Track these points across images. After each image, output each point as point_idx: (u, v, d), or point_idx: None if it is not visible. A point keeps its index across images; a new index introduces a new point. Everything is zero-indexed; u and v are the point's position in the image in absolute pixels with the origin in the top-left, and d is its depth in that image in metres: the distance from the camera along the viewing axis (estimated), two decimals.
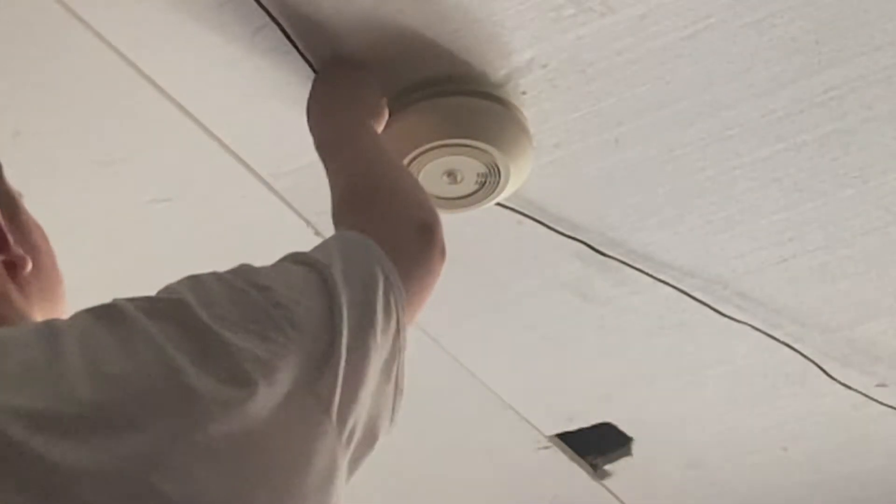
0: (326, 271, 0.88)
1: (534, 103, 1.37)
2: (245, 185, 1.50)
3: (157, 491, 0.69)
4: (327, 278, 0.87)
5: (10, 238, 0.92)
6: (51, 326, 0.77)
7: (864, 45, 1.31)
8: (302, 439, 0.79)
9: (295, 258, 0.92)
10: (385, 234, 1.00)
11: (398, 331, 0.93)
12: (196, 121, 1.42)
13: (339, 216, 1.09)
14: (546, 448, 2.08)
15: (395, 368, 0.93)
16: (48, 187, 1.47)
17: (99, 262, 1.55)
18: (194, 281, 0.83)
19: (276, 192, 1.52)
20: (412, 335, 0.96)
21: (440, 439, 2.07)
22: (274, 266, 0.90)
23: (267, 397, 0.76)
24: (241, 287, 0.83)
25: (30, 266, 0.92)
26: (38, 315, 0.91)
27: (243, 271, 0.86)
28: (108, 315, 0.78)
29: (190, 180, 1.51)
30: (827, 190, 1.51)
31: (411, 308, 0.98)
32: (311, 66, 1.30)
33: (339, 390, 0.82)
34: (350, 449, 0.85)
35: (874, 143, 1.44)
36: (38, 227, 0.97)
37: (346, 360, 0.83)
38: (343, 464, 0.83)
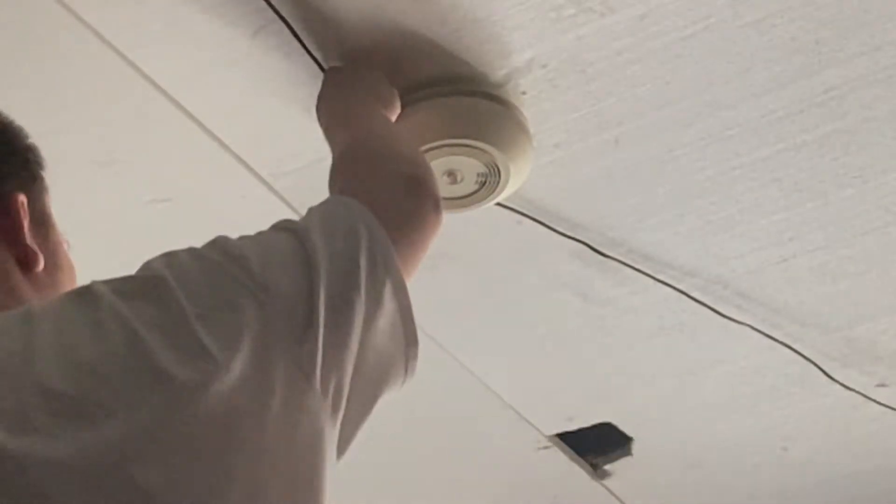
0: (305, 235, 0.87)
1: (534, 103, 1.37)
2: (245, 185, 1.50)
3: (136, 482, 0.68)
4: (305, 243, 0.86)
5: (27, 234, 0.92)
6: (28, 312, 0.77)
7: (864, 45, 1.31)
8: (285, 411, 0.77)
9: (276, 226, 0.91)
10: (370, 190, 0.98)
11: (392, 284, 0.90)
12: (196, 121, 1.41)
13: (330, 183, 1.08)
14: (546, 448, 2.08)
15: (397, 321, 0.91)
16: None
17: (99, 262, 1.55)
18: (170, 257, 0.82)
19: (276, 192, 1.52)
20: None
21: (440, 439, 2.07)
22: (253, 235, 0.89)
23: (244, 372, 0.75)
24: (216, 259, 0.82)
25: (41, 264, 0.92)
26: None
27: (219, 243, 0.85)
28: (83, 299, 0.77)
29: (190, 180, 1.51)
30: (827, 190, 1.51)
31: (406, 263, 0.96)
32: (317, 63, 1.30)
33: (320, 357, 0.80)
34: (340, 414, 0.83)
35: (874, 143, 1.44)
36: (68, 258, 0.98)
37: (327, 325, 0.82)
38: (331, 432, 0.82)
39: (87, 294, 0.78)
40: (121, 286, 0.78)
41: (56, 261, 0.96)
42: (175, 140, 1.44)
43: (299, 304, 0.82)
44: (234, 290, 0.80)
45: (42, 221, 0.97)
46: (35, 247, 0.92)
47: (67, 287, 0.95)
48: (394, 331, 0.91)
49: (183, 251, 0.83)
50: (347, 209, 0.94)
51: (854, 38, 1.30)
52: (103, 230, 1.56)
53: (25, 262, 0.91)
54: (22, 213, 0.93)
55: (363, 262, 0.88)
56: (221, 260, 0.82)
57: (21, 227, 0.92)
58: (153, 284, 0.78)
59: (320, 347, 0.81)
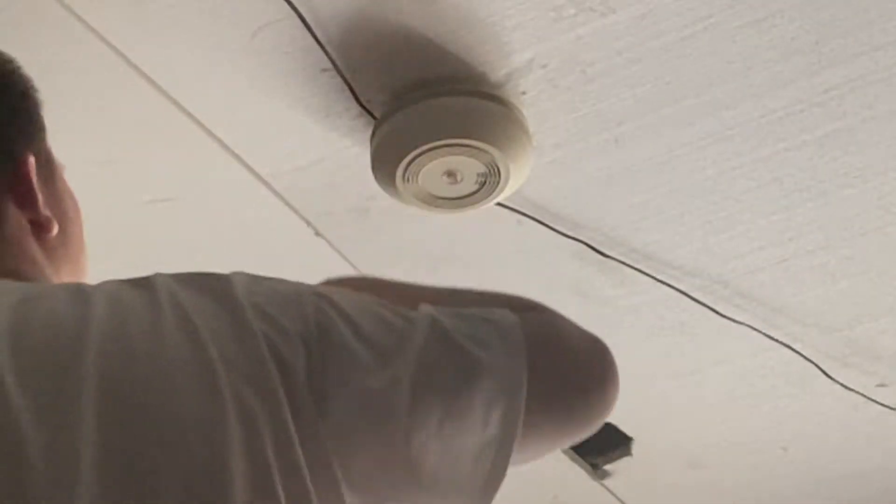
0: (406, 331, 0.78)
1: (534, 103, 1.37)
2: (245, 185, 1.50)
3: (162, 484, 0.66)
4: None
5: (41, 198, 0.90)
6: (79, 286, 0.76)
7: (864, 45, 1.31)
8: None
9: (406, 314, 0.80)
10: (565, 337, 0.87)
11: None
12: (196, 121, 1.42)
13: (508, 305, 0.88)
14: None
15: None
16: None
17: (99, 262, 1.55)
18: (247, 274, 0.79)
19: (276, 192, 1.52)
20: None
21: None
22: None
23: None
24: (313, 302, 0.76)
25: (56, 229, 0.90)
26: (62, 280, 0.90)
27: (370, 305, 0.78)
28: (138, 282, 0.75)
29: (190, 180, 1.51)
30: (827, 190, 1.51)
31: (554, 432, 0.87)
32: (329, 57, 1.29)
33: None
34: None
35: (874, 143, 1.44)
36: (72, 197, 0.96)
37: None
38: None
39: (143, 280, 0.76)
40: (182, 277, 0.76)
41: (64, 210, 0.93)
42: (175, 140, 1.44)
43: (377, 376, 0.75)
44: (301, 317, 0.74)
45: (47, 164, 0.95)
46: (48, 212, 0.90)
47: (77, 236, 0.94)
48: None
49: (268, 277, 0.79)
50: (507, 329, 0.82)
51: (854, 38, 1.30)
52: (103, 230, 1.55)
53: (40, 228, 0.90)
54: (33, 175, 0.91)
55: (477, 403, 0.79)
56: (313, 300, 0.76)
57: (35, 194, 0.90)
58: (214, 282, 0.76)
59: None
